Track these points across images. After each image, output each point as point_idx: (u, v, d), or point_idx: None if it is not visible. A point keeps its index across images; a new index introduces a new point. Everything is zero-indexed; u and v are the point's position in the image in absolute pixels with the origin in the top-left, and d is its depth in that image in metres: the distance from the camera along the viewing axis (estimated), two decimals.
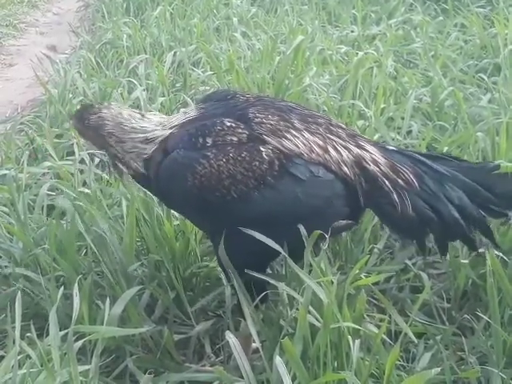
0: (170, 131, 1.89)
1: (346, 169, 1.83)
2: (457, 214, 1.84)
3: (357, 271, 1.79)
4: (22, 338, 1.72)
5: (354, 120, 2.96)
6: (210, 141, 1.80)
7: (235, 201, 1.76)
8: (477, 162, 2.34)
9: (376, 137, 2.76)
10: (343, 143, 1.87)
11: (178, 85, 4.00)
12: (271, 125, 1.83)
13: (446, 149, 2.62)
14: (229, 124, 1.82)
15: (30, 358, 1.66)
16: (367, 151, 1.88)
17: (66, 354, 1.65)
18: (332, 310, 1.55)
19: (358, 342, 1.55)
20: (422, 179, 1.88)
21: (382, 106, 3.17)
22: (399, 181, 1.85)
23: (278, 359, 1.49)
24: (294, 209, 1.79)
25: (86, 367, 1.62)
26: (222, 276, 2.18)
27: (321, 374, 1.59)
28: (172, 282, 2.20)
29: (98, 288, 2.16)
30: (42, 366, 1.60)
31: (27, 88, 4.93)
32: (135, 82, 3.64)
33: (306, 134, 1.83)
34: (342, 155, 1.83)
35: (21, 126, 3.76)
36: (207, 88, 3.61)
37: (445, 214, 1.84)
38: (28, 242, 2.31)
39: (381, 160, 1.87)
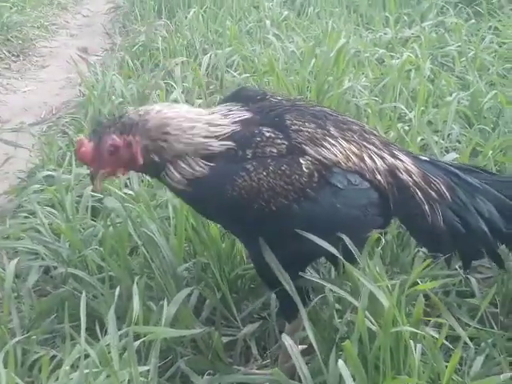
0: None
1: (379, 177, 1.82)
2: (486, 228, 1.83)
3: (411, 275, 1.78)
4: (71, 338, 1.74)
5: (395, 123, 2.95)
6: (249, 153, 1.77)
7: (274, 213, 1.75)
8: (508, 176, 2.33)
9: (418, 140, 2.75)
10: (378, 151, 1.87)
11: (211, 87, 4.02)
12: (309, 133, 1.81)
13: (490, 153, 2.60)
14: (268, 134, 1.79)
15: (86, 358, 1.67)
16: (401, 160, 1.88)
17: (121, 354, 1.67)
18: (393, 314, 1.55)
19: (419, 346, 1.55)
20: (454, 191, 1.88)
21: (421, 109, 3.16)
22: (431, 192, 1.85)
23: (340, 362, 1.49)
24: (333, 219, 1.78)
25: (145, 368, 1.63)
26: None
27: (380, 379, 1.59)
28: (218, 284, 2.21)
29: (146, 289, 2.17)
30: (100, 366, 1.61)
31: (60, 90, 4.99)
32: (173, 84, 3.66)
33: (343, 142, 1.82)
34: (376, 164, 1.83)
35: (56, 127, 3.81)
36: None
37: (474, 227, 1.84)
38: (76, 242, 2.33)
39: (413, 170, 1.87)
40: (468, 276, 2.21)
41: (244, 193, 1.73)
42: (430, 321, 1.81)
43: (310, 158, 1.77)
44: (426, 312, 2.20)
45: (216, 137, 1.80)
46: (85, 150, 1.79)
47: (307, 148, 1.78)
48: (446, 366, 1.62)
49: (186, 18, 5.18)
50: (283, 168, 1.74)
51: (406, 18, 5.07)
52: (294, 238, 1.74)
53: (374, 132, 1.98)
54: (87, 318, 2.13)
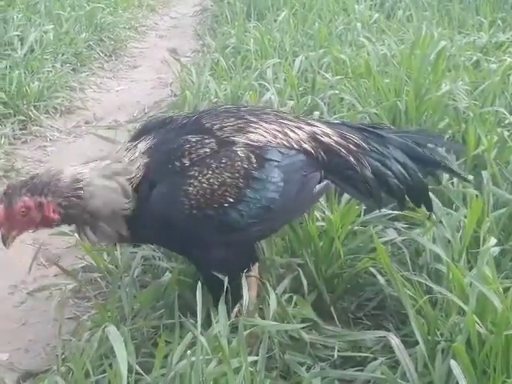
0: (137, 170, 1.86)
1: (305, 145, 1.99)
2: (403, 170, 2.04)
3: None
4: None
5: (495, 127, 2.89)
6: (186, 161, 1.84)
7: (233, 205, 1.84)
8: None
9: None
10: (295, 124, 2.04)
11: (300, 88, 4.04)
12: (231, 126, 1.94)
13: None
14: (194, 139, 1.88)
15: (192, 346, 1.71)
16: (317, 127, 2.07)
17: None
18: (507, 317, 1.53)
19: None
20: (369, 143, 2.08)
21: None
22: (351, 146, 2.04)
23: (452, 362, 1.49)
24: (283, 189, 1.90)
25: (254, 358, 1.67)
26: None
27: (490, 382, 1.57)
28: (315, 283, 2.23)
29: None
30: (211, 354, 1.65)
31: (152, 89, 5.13)
32: (266, 84, 3.70)
33: (264, 124, 1.98)
34: (298, 135, 2.00)
35: None
36: (336, 92, 3.62)
37: (394, 170, 2.04)
38: None
39: (330, 132, 2.06)
40: None
41: (200, 197, 1.80)
42: None
43: (241, 145, 1.89)
44: None
45: (130, 179, 1.84)
46: None
47: (236, 138, 1.90)
48: None
49: (276, 20, 5.23)
50: (224, 161, 1.85)
51: (500, 22, 4.96)
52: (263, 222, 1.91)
53: (284, 111, 2.16)
54: (181, 309, 2.22)
